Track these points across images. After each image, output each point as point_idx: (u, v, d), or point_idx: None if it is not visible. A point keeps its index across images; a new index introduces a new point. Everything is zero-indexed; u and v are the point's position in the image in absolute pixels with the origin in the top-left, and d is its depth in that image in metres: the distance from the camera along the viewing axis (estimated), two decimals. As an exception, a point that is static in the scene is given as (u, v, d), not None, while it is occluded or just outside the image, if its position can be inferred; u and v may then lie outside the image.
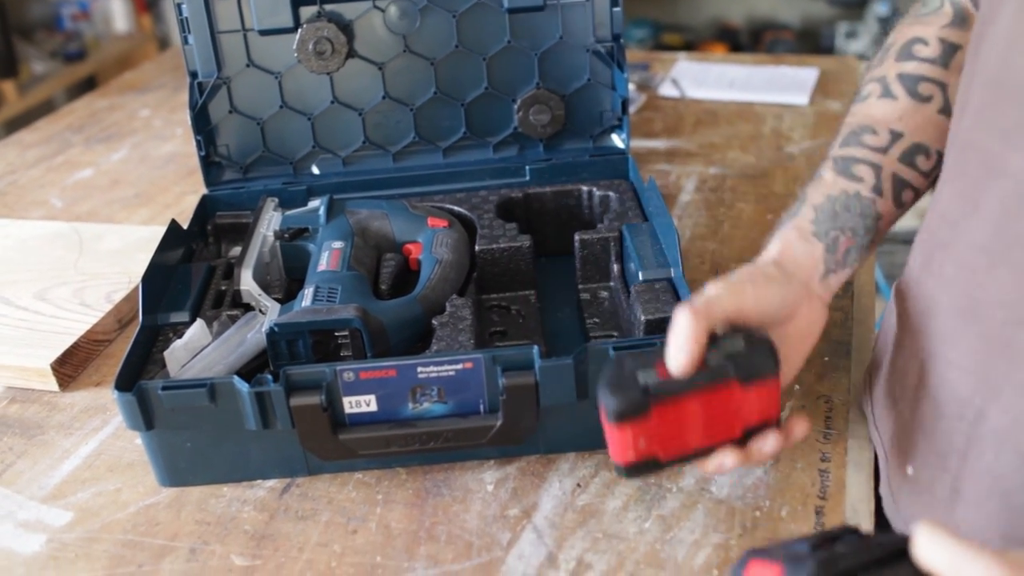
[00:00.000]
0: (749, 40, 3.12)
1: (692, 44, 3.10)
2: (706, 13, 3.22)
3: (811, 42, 3.10)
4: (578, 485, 0.71)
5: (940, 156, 0.65)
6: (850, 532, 0.47)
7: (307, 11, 0.96)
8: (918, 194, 0.68)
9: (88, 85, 3.10)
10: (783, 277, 0.63)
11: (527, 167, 0.98)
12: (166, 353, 0.75)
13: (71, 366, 0.88)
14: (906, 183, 0.66)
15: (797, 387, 0.80)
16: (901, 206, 0.67)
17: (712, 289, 0.59)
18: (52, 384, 0.86)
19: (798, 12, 3.07)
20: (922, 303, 0.65)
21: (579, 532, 0.67)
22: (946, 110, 0.65)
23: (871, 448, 0.75)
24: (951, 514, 0.62)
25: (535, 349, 0.69)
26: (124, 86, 1.73)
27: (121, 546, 0.69)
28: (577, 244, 0.88)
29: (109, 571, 0.66)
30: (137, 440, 0.79)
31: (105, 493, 0.74)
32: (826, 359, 0.83)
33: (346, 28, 0.97)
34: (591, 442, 0.74)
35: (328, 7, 0.96)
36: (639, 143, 1.29)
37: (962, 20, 0.67)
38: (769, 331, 0.60)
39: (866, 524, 0.67)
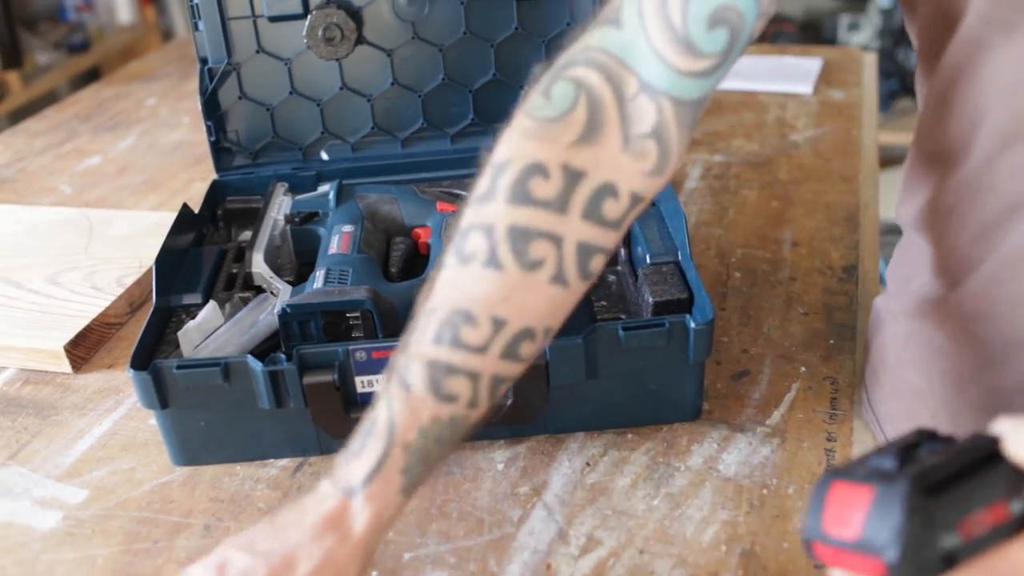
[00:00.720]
0: (752, 32, 3.13)
1: (695, 36, 3.11)
2: (709, 5, 3.23)
3: (813, 34, 3.11)
4: (587, 464, 0.72)
5: (547, 334, 0.55)
6: (927, 436, 0.44)
7: (316, -3, 0.97)
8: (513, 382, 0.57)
9: (92, 76, 3.10)
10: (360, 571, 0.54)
11: (534, 153, 0.99)
12: (179, 333, 0.76)
13: (84, 348, 0.89)
14: (504, 380, 0.55)
15: (803, 369, 0.81)
16: (492, 400, 0.56)
17: None
18: (65, 366, 0.87)
19: (801, 4, 3.07)
20: (963, 325, 0.67)
21: (589, 509, 0.68)
22: (559, 277, 0.53)
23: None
24: None
25: (545, 329, 0.70)
26: (130, 75, 1.73)
27: (136, 523, 0.70)
28: (585, 228, 0.89)
29: (125, 547, 0.67)
30: (150, 420, 0.80)
31: (120, 472, 0.75)
32: (831, 342, 0.84)
33: (355, 14, 0.97)
34: (600, 422, 0.75)
35: (337, -7, 0.97)
36: (644, 131, 1.30)
37: (595, 127, 0.53)
38: None
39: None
